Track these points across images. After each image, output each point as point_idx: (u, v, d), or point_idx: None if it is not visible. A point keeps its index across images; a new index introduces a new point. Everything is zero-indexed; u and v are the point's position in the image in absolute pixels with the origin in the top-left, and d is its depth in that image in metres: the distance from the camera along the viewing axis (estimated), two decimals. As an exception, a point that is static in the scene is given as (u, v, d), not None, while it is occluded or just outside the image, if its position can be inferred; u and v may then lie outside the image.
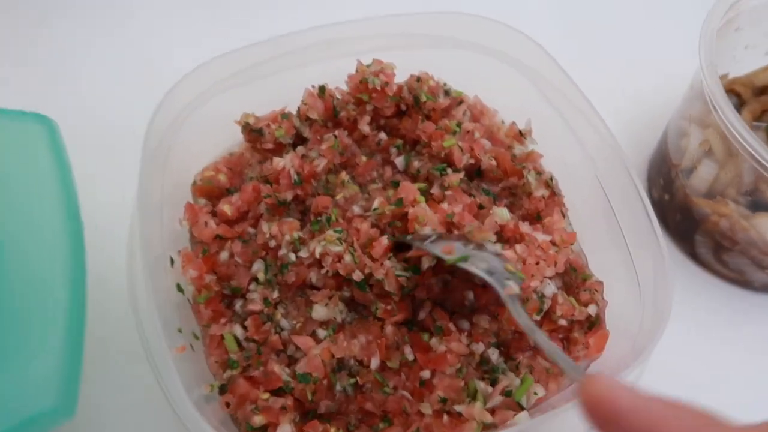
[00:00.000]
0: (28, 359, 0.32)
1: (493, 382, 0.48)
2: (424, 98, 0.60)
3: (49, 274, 0.35)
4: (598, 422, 0.28)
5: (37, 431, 0.32)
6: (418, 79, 0.61)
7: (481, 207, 0.56)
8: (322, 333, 0.50)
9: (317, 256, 0.51)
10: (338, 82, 0.62)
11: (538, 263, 0.52)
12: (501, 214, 0.54)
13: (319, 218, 0.54)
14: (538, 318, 0.50)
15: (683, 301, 0.61)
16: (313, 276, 0.52)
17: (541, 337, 0.40)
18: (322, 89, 0.61)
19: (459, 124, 0.60)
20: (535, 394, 0.47)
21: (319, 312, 0.51)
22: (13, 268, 0.35)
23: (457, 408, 0.46)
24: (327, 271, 0.50)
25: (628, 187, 0.52)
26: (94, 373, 0.51)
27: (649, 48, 0.80)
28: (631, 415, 0.26)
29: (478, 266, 0.46)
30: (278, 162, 0.56)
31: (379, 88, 0.59)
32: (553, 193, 0.59)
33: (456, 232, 0.53)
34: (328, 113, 0.61)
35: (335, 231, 0.52)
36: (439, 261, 0.52)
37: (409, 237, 0.51)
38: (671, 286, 0.46)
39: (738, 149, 0.49)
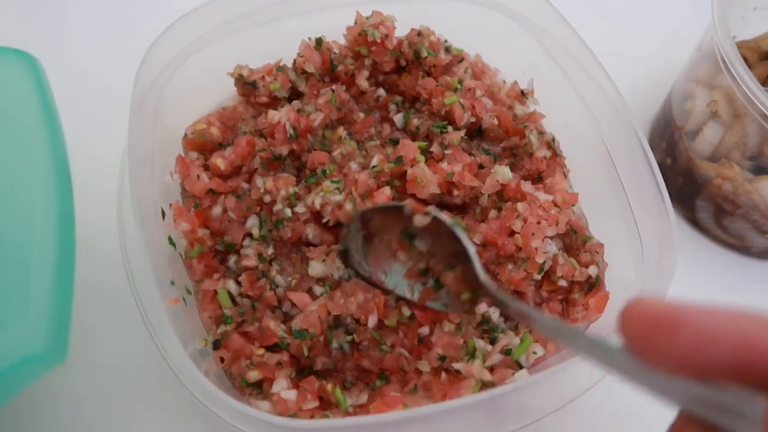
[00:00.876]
0: (17, 304, 0.30)
1: (493, 341, 0.47)
2: (425, 54, 0.58)
3: (36, 217, 0.34)
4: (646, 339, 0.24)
5: (28, 375, 0.31)
6: (419, 34, 0.59)
7: (481, 167, 0.55)
8: (318, 290, 0.49)
9: (317, 207, 0.49)
10: (336, 34, 0.59)
11: (539, 222, 0.51)
12: (502, 172, 0.53)
13: (314, 172, 0.52)
14: (539, 277, 0.50)
15: (682, 266, 0.61)
16: (309, 232, 0.51)
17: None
18: (319, 41, 0.59)
19: (460, 82, 0.58)
20: (535, 353, 0.47)
21: (316, 268, 0.49)
22: (-2, 211, 0.33)
23: (456, 366, 0.45)
24: (327, 221, 0.49)
25: (634, 147, 0.50)
26: (87, 322, 0.50)
27: (651, 11, 0.79)
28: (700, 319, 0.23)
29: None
30: (273, 115, 0.54)
31: (378, 41, 0.57)
32: (555, 154, 0.57)
33: (456, 192, 0.52)
34: (325, 67, 0.59)
35: (332, 182, 0.50)
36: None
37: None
38: (676, 250, 0.45)
39: (746, 109, 0.48)
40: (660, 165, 0.63)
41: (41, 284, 0.32)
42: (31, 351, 0.29)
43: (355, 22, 0.58)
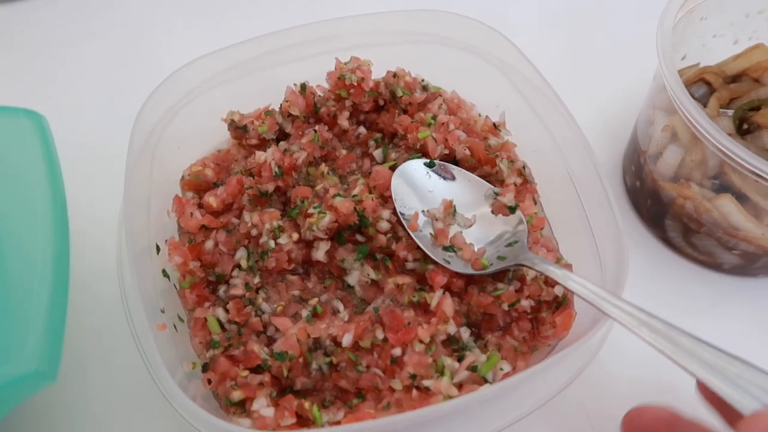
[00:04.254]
0: (12, 327, 0.35)
1: (461, 360, 0.50)
2: (400, 93, 0.62)
3: (35, 252, 0.39)
4: None
5: (22, 392, 0.35)
6: (395, 75, 0.64)
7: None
8: (304, 313, 0.53)
9: (310, 238, 0.54)
10: (319, 79, 0.65)
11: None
12: None
13: (295, 205, 0.56)
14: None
15: (657, 285, 0.63)
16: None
17: None
18: (303, 87, 0.64)
19: (434, 117, 0.62)
20: (501, 369, 0.49)
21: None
22: (2, 246, 0.38)
23: (426, 383, 0.48)
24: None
25: (593, 176, 0.54)
26: (88, 348, 0.54)
27: (627, 44, 0.83)
28: None
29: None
30: (260, 156, 0.59)
31: (356, 84, 0.62)
32: (526, 181, 0.61)
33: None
34: (309, 109, 0.64)
35: (314, 208, 0.54)
36: None
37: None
38: (627, 263, 0.48)
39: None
40: (632, 188, 0.67)
41: (37, 311, 0.36)
42: (24, 370, 0.34)
43: (335, 68, 0.63)
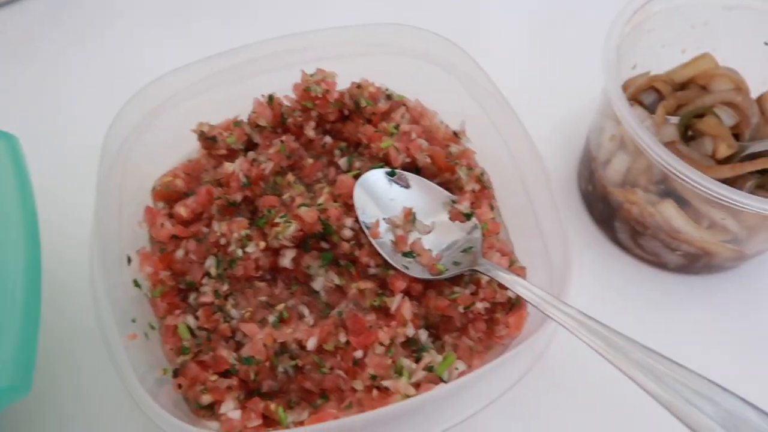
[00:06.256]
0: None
1: (419, 360, 0.53)
2: (364, 103, 0.65)
3: (6, 269, 0.41)
4: None
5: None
6: (359, 86, 0.66)
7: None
8: (271, 318, 0.55)
9: (278, 245, 0.56)
10: (286, 90, 0.67)
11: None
12: None
13: (262, 215, 0.59)
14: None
15: (608, 282, 0.67)
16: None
17: None
18: (270, 98, 0.66)
19: (397, 126, 0.65)
20: (457, 369, 0.52)
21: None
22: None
23: (385, 383, 0.51)
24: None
25: (542, 182, 0.57)
26: (60, 361, 0.57)
27: (582, 55, 0.85)
28: None
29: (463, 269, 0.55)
30: (228, 166, 0.61)
31: (321, 96, 0.64)
32: (484, 187, 0.64)
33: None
34: (277, 120, 0.66)
35: (280, 217, 0.57)
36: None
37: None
38: (572, 265, 0.51)
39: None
40: (585, 192, 0.70)
41: (9, 327, 0.38)
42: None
43: (301, 80, 0.66)
